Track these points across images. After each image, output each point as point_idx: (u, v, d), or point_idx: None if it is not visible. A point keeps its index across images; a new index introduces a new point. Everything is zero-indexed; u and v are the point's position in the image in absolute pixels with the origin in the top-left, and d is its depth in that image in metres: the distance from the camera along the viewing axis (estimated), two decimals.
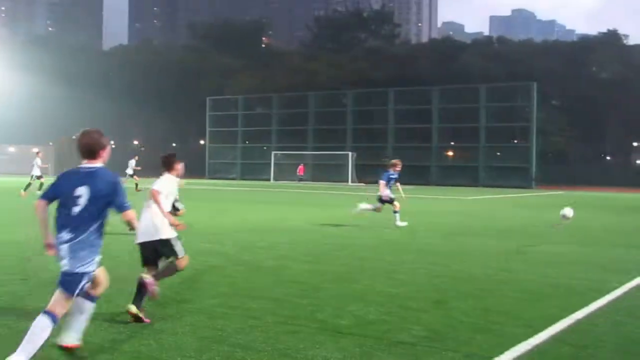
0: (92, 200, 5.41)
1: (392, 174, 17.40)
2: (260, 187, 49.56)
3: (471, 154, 63.59)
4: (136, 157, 40.00)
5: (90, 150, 5.57)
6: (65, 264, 5.40)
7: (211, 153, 76.17)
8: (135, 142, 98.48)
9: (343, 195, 37.24)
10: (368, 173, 59.82)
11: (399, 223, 17.31)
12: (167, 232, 7.25)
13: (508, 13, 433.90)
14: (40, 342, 5.15)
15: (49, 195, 5.57)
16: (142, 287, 7.03)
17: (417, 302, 8.18)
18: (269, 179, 67.47)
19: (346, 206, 25.49)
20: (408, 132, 67.26)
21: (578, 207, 29.41)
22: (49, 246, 5.50)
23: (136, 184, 35.44)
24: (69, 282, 5.37)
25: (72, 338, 5.78)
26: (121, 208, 5.53)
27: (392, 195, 17.95)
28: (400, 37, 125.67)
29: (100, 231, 5.51)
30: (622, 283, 9.73)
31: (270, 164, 68.92)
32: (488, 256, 12.38)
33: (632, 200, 41.46)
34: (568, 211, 18.21)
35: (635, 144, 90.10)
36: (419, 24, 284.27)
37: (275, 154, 69.18)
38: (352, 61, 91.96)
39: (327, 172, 66.22)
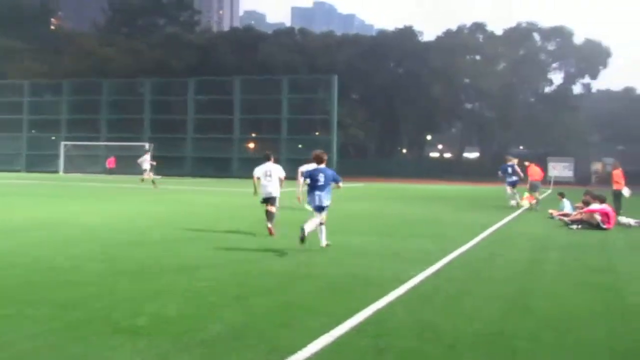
0: None
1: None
2: (49, 180, 47.31)
3: (273, 146, 62.99)
4: None
5: None
6: None
7: None
8: None
9: (139, 189, 36.10)
10: (167, 165, 58.48)
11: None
12: None
13: (310, 5, 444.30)
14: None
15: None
16: None
17: (218, 297, 8.02)
18: (57, 171, 64.82)
19: (140, 201, 24.83)
20: (209, 123, 66.73)
21: (375, 199, 31.45)
22: None
23: None
24: None
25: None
26: None
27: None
28: (201, 25, 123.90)
29: None
30: (417, 271, 10.07)
31: (59, 155, 66.13)
32: (291, 251, 12.31)
33: (424, 190, 44.76)
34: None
35: (428, 137, 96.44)
36: (220, 12, 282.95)
37: (65, 145, 66.51)
38: (149, 48, 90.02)
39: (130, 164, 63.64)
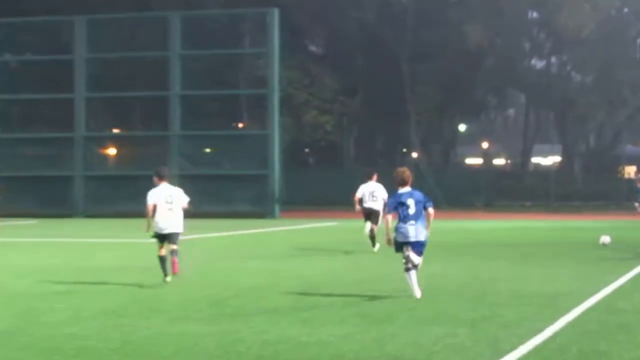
0: None
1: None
2: None
3: (156, 149, 51.47)
4: None
5: None
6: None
7: None
8: None
9: None
10: None
11: None
12: None
13: None
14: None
15: None
16: None
17: None
18: None
19: None
20: (24, 111, 51.18)
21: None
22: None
23: None
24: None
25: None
26: None
27: None
28: None
29: None
30: None
31: None
32: None
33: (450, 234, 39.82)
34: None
35: (461, 127, 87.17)
36: None
37: None
38: None
39: None
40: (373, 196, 18.81)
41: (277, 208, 44.80)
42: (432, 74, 64.25)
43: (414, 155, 65.98)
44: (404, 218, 12.06)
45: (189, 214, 14.18)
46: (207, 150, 51.06)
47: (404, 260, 12.00)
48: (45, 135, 49.07)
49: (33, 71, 50.78)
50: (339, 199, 56.26)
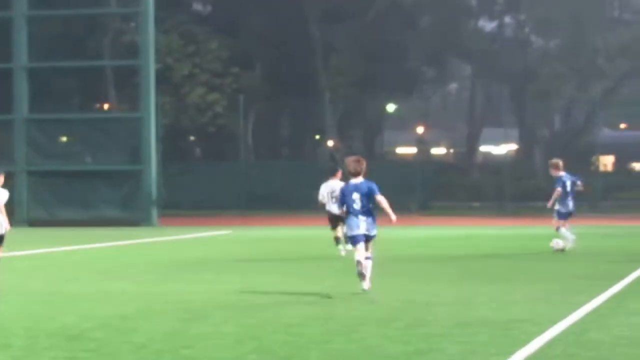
0: None
1: None
2: None
3: None
4: None
5: None
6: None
7: None
8: None
9: None
10: None
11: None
12: None
13: None
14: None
15: None
16: None
17: None
18: None
19: None
20: None
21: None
22: None
23: None
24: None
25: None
26: None
27: None
28: None
29: None
30: None
31: None
32: None
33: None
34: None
35: (390, 108, 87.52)
36: None
37: None
38: None
39: None
40: (335, 197, 20.30)
41: (154, 213, 44.79)
42: (350, 39, 64.58)
43: (330, 143, 66.04)
44: (352, 212, 15.55)
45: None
46: (63, 139, 51.06)
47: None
48: None
49: None
50: (232, 201, 56.48)
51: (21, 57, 45.70)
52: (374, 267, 16.13)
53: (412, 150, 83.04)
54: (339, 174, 23.08)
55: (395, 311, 14.22)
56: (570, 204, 25.37)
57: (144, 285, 18.59)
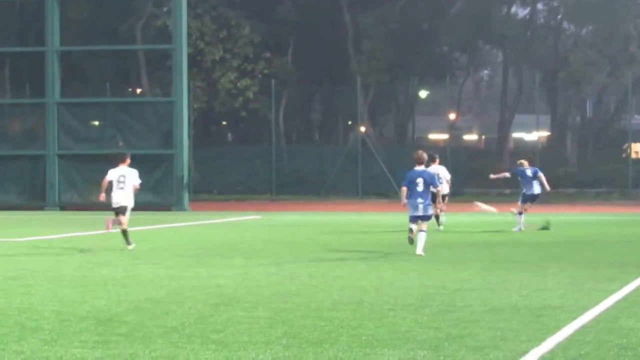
0: None
1: None
2: None
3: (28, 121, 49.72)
4: None
5: None
6: None
7: None
8: None
9: None
10: None
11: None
12: None
13: None
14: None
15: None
16: None
17: None
18: None
19: None
20: None
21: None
22: None
23: None
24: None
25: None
26: None
27: None
28: None
29: None
30: None
31: None
32: None
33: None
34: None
35: (422, 94, 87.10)
36: None
37: None
38: None
39: None
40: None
41: (185, 198, 44.62)
42: (381, 24, 64.05)
43: (362, 129, 65.52)
44: (414, 195, 20.15)
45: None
46: (95, 122, 51.08)
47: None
48: None
49: None
50: (263, 186, 56.40)
51: (54, 40, 45.78)
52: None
53: (443, 136, 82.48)
54: (437, 160, 29.15)
55: (425, 297, 14.14)
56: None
57: (175, 269, 18.55)
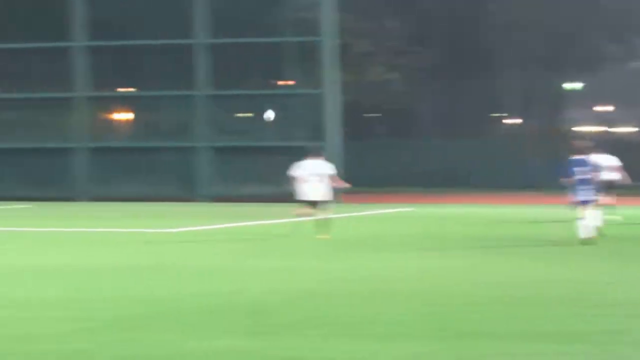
0: None
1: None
2: None
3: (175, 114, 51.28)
4: None
5: None
6: None
7: None
8: None
9: None
10: None
11: None
12: None
13: None
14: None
15: None
16: None
17: None
18: None
19: None
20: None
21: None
22: None
23: None
24: None
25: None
26: None
27: None
28: None
29: None
30: None
31: None
32: None
33: None
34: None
35: (567, 86, 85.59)
36: None
37: None
38: None
39: None
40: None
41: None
42: (530, 15, 63.40)
43: (511, 121, 64.50)
44: (577, 182, 21.79)
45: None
46: (241, 115, 51.34)
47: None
48: (33, 96, 49.06)
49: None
50: (413, 179, 56.15)
51: (202, 33, 46.35)
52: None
53: (595, 129, 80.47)
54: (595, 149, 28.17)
55: (582, 290, 14.01)
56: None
57: (328, 261, 18.60)
